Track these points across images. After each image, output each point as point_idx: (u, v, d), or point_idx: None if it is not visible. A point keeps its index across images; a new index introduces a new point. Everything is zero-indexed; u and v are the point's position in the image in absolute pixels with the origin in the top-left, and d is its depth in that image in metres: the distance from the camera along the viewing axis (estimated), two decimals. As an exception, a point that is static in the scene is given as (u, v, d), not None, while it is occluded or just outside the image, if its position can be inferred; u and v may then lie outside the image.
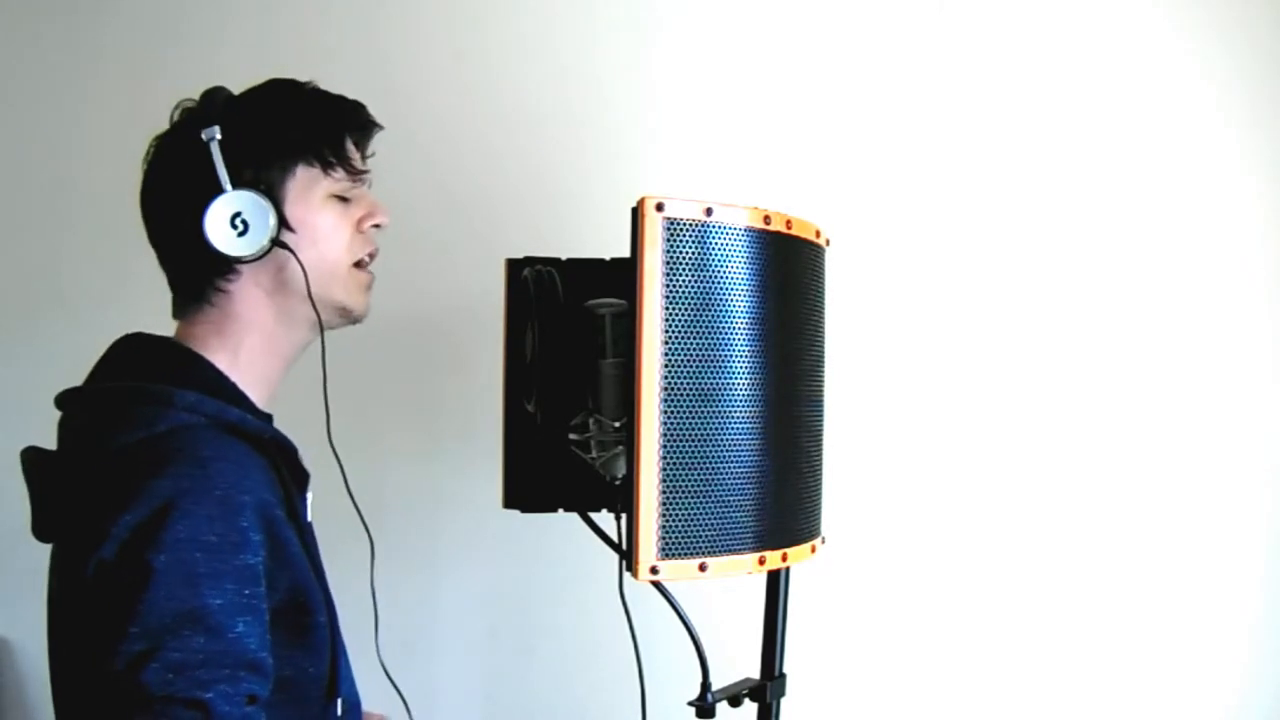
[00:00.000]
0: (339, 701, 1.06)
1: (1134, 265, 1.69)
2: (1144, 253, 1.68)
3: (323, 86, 1.14)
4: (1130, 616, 1.68)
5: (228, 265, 1.06)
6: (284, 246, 1.06)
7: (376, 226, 1.15)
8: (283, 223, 1.06)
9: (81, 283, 1.89)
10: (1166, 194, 1.69)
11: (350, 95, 1.16)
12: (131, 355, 1.07)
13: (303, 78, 1.14)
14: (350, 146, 1.12)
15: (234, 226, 1.03)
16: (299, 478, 1.10)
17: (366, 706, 1.22)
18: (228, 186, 1.03)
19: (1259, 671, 1.67)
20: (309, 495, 1.13)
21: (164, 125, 1.11)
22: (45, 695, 1.92)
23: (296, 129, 1.09)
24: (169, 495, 0.91)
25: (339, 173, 1.11)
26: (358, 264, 1.13)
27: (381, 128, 1.16)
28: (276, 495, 1.02)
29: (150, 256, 1.11)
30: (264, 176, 1.06)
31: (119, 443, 0.97)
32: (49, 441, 1.06)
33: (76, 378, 1.08)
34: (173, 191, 1.06)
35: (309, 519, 1.12)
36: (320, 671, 1.04)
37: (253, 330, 1.08)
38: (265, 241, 1.04)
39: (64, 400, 1.06)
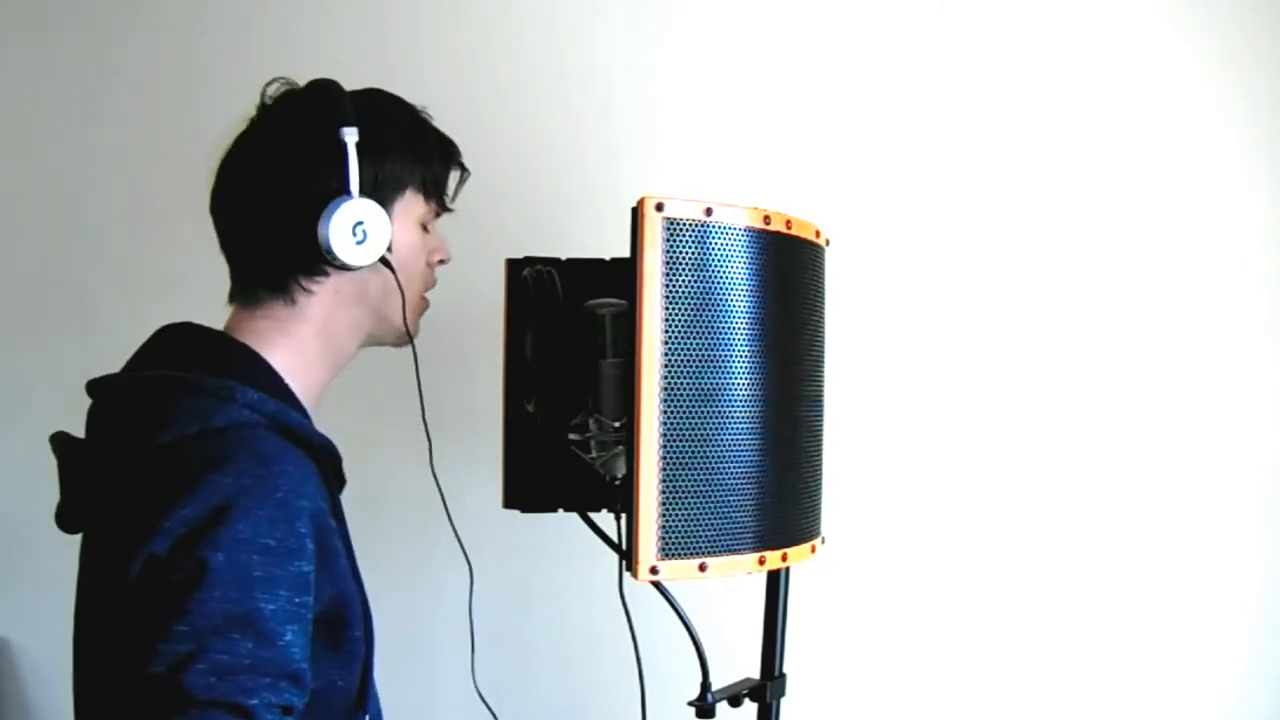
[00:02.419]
0: (364, 715, 1.04)
1: (1134, 265, 1.69)
2: (1144, 253, 1.68)
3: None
4: (1130, 616, 1.68)
5: (321, 266, 1.05)
6: (388, 266, 1.06)
7: (441, 261, 1.17)
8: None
9: (95, 286, 1.89)
10: (1167, 194, 1.69)
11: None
12: (181, 345, 1.04)
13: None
14: (446, 183, 1.15)
15: (354, 234, 1.02)
16: (340, 483, 1.10)
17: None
18: (356, 193, 1.02)
19: (1259, 671, 1.67)
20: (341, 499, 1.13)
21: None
22: (45, 695, 1.93)
23: (419, 152, 1.11)
24: (230, 493, 0.88)
25: (433, 203, 1.13)
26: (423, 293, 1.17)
27: (470, 173, 1.19)
28: (328, 505, 0.99)
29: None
30: (380, 189, 1.06)
31: (173, 435, 0.93)
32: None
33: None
34: (290, 180, 1.04)
35: (346, 530, 1.13)
36: (349, 684, 1.02)
37: (320, 335, 1.07)
38: (376, 258, 1.04)
39: (96, 387, 1.02)
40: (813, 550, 1.15)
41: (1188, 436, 1.67)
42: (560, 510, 1.31)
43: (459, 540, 1.21)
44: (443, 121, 1.18)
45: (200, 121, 1.81)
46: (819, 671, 1.68)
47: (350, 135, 1.02)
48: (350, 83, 1.17)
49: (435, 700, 1.74)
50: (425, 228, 1.13)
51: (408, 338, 1.13)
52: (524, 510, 1.31)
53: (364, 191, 1.03)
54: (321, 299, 1.07)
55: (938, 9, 1.73)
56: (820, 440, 1.18)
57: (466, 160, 1.20)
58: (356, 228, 1.02)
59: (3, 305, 1.93)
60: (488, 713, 1.37)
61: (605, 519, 1.26)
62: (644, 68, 1.78)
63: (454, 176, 1.17)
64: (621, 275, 1.02)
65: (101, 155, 1.90)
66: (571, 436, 1.18)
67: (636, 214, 1.01)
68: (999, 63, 1.72)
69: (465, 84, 1.81)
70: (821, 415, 1.19)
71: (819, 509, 1.18)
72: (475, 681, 1.27)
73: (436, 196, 1.13)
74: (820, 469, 1.18)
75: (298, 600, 0.91)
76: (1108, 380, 1.69)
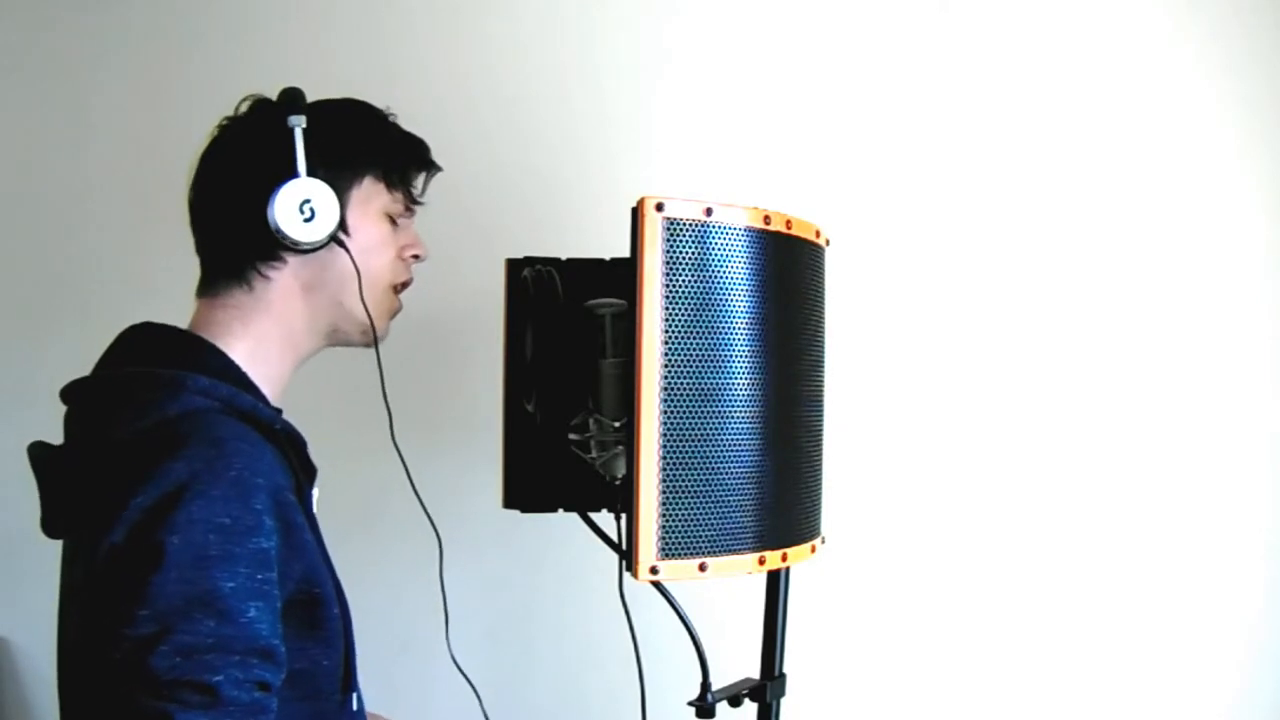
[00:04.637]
0: (354, 696, 1.05)
1: (1134, 265, 1.69)
2: (1144, 253, 1.69)
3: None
4: (1130, 616, 1.68)
5: (277, 251, 1.07)
6: (341, 245, 1.08)
7: (416, 257, 1.19)
8: (342, 224, 1.08)
9: (93, 284, 1.89)
10: (1167, 194, 1.69)
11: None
12: (140, 343, 1.07)
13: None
14: (412, 176, 1.17)
15: (301, 212, 1.04)
16: (308, 471, 1.10)
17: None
18: (303, 172, 1.05)
19: (1259, 671, 1.67)
20: (315, 491, 1.13)
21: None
22: (45, 695, 1.93)
23: (374, 142, 1.14)
24: (183, 477, 0.90)
25: (398, 195, 1.15)
26: (393, 289, 1.17)
27: (441, 169, 1.20)
28: (288, 483, 1.01)
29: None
30: (334, 176, 1.08)
31: (130, 429, 0.96)
32: (56, 438, 1.06)
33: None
34: (244, 167, 1.08)
35: (314, 512, 1.12)
36: (334, 664, 1.03)
37: (280, 324, 1.09)
38: (326, 234, 1.06)
39: (69, 392, 1.05)
40: (813, 550, 1.15)
41: (1188, 436, 1.67)
42: (560, 510, 1.31)
43: (425, 510, 1.20)
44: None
45: (198, 123, 1.82)
46: (819, 671, 1.68)
47: (297, 121, 1.06)
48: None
49: (434, 700, 1.75)
50: (394, 221, 1.15)
51: (371, 330, 1.13)
52: (524, 510, 1.31)
53: (316, 175, 1.06)
54: (279, 285, 1.09)
55: (940, 9, 1.73)
56: (820, 440, 1.18)
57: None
58: (304, 205, 1.04)
59: (2, 306, 1.93)
60: (488, 713, 1.37)
61: (605, 519, 1.26)
62: (644, 68, 1.78)
63: (422, 176, 1.19)
64: (621, 275, 1.02)
65: (100, 157, 1.90)
66: (571, 436, 1.18)
67: (636, 214, 1.01)
68: (1000, 63, 1.72)
69: (465, 85, 1.81)
70: (821, 415, 1.19)
71: (819, 509, 1.18)
72: (451, 652, 1.27)
73: (402, 189, 1.15)
74: (820, 469, 1.18)
75: (259, 577, 0.92)
76: (1108, 380, 1.69)
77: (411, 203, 1.17)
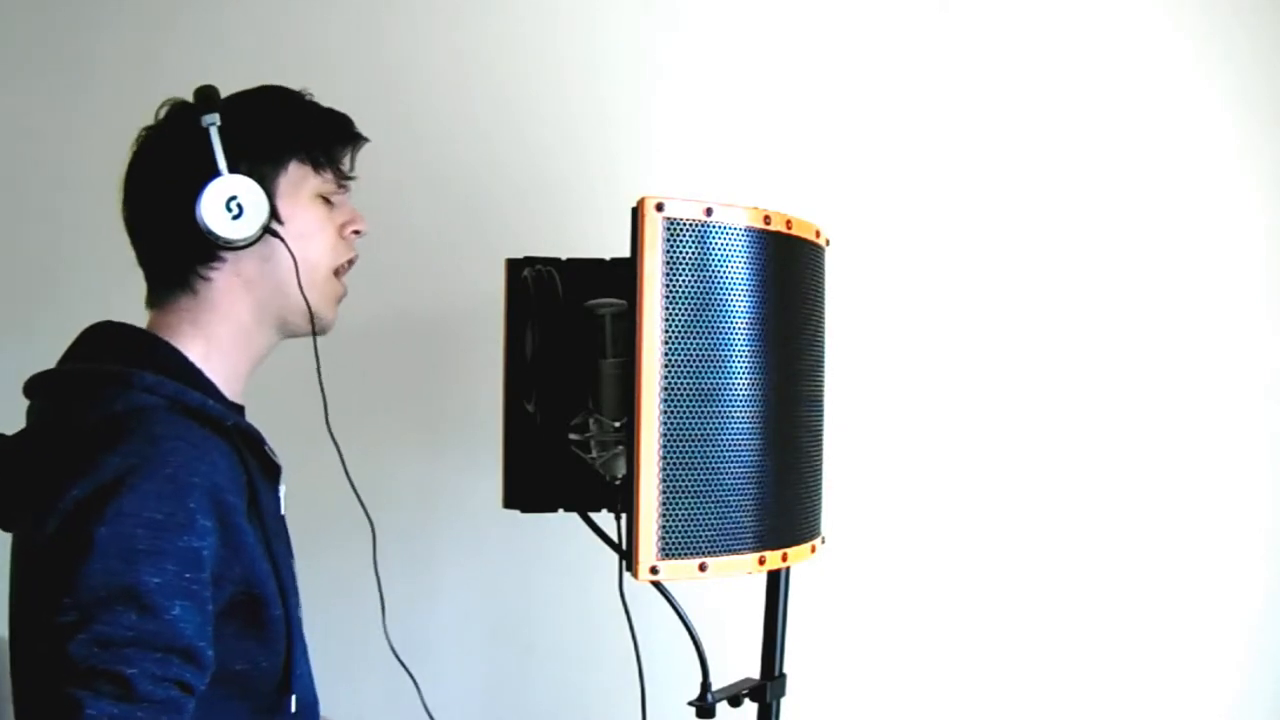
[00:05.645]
0: (292, 699, 1.04)
1: (1134, 266, 1.69)
2: (1144, 253, 1.69)
3: (321, 87, 1.16)
4: (1130, 616, 1.68)
5: (213, 251, 1.07)
6: (275, 235, 1.08)
7: (357, 233, 1.17)
8: (273, 214, 1.08)
9: (77, 281, 1.89)
10: (1167, 194, 1.69)
11: (350, 95, 1.18)
12: (97, 340, 1.08)
13: (304, 78, 1.15)
14: (338, 153, 1.15)
15: (229, 210, 1.04)
16: (268, 468, 1.10)
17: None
18: (224, 170, 1.04)
19: (1259, 671, 1.67)
20: (283, 488, 1.13)
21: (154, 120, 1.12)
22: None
23: (293, 125, 1.12)
24: (118, 471, 0.91)
25: (328, 174, 1.14)
26: (335, 272, 1.16)
27: (368, 140, 1.19)
28: (236, 483, 1.01)
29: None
30: (258, 168, 1.08)
31: (75, 424, 0.97)
32: None
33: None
34: (166, 174, 1.07)
35: (282, 512, 1.13)
36: (274, 665, 1.03)
37: (228, 321, 1.09)
38: (258, 228, 1.05)
39: (30, 386, 1.07)
40: (813, 550, 1.15)
41: (1188, 437, 1.67)
42: (560, 510, 1.31)
43: (359, 498, 1.19)
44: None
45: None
46: (819, 671, 1.68)
47: (211, 120, 1.05)
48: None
49: (434, 700, 1.75)
50: (328, 200, 1.14)
51: (307, 322, 1.12)
52: (524, 510, 1.31)
53: (239, 171, 1.05)
54: (221, 285, 1.09)
55: (940, 9, 1.73)
56: (820, 440, 1.18)
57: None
58: (230, 203, 1.04)
59: None
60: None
61: (605, 519, 1.26)
62: (645, 68, 1.78)
63: (348, 151, 1.17)
64: (621, 275, 1.03)
65: (80, 152, 1.89)
66: (571, 436, 1.18)
67: (636, 214, 1.01)
68: (1000, 63, 1.72)
69: (465, 84, 1.80)
70: (821, 415, 1.19)
71: (819, 509, 1.18)
72: (388, 636, 1.26)
73: (330, 168, 1.14)
74: (820, 469, 1.18)
75: (187, 575, 0.92)
76: (1108, 380, 1.69)
77: (342, 179, 1.16)
